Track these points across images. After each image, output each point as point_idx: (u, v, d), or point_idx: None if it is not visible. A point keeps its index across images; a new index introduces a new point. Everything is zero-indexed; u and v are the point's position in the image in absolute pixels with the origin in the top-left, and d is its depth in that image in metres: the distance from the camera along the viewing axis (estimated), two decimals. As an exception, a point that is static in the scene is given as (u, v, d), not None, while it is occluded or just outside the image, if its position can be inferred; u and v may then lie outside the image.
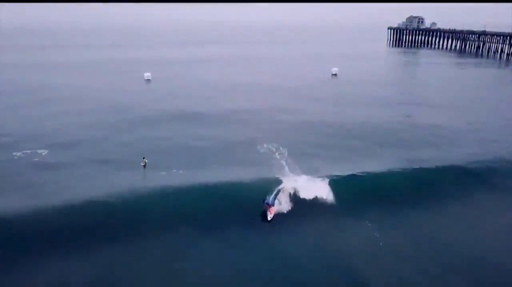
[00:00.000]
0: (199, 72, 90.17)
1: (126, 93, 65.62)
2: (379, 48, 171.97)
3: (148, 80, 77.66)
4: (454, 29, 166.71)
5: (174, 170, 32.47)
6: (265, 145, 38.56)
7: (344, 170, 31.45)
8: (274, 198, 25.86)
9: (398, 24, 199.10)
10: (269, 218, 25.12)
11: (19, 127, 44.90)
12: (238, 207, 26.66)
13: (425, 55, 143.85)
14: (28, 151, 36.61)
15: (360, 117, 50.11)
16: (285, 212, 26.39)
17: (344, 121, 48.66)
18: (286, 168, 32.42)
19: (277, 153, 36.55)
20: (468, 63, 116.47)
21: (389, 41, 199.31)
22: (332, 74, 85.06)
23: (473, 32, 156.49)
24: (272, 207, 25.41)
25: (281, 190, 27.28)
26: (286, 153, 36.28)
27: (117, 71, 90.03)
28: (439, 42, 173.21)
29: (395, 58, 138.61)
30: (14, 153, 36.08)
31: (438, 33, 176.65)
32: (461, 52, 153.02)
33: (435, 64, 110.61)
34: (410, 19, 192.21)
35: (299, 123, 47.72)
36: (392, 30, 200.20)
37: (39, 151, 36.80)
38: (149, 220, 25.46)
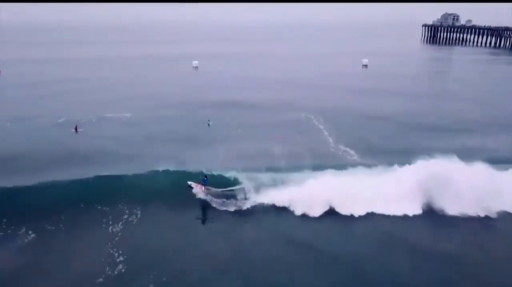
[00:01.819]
0: (242, 66, 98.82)
1: (179, 78, 76.36)
2: (412, 45, 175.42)
3: (196, 67, 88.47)
4: (490, 26, 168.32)
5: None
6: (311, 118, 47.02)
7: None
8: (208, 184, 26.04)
9: (433, 21, 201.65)
10: (193, 190, 25.82)
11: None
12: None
13: (459, 51, 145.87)
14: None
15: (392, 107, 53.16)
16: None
17: (377, 110, 51.31)
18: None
19: (315, 121, 45.14)
20: (504, 59, 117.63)
21: (423, 38, 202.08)
22: (363, 65, 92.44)
23: (509, 29, 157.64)
24: (203, 186, 25.78)
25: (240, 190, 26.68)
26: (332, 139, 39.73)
27: (170, 61, 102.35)
28: (474, 39, 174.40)
29: (428, 54, 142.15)
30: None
31: (473, 30, 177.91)
32: (497, 48, 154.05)
33: (469, 60, 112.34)
34: (445, 16, 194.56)
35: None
36: (426, 27, 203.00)
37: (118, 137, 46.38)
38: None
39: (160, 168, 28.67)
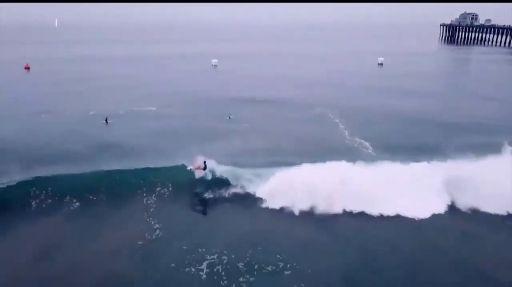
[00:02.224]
0: (259, 64, 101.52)
1: (199, 75, 79.57)
2: (430, 45, 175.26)
3: (215, 65, 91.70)
4: (510, 26, 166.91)
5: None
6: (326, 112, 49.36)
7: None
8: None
9: (451, 21, 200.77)
10: (191, 169, 27.42)
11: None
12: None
13: (478, 51, 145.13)
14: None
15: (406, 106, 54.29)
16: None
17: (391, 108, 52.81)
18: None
19: (331, 115, 47.48)
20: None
21: (441, 38, 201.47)
22: (378, 64, 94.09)
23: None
24: (202, 170, 27.14)
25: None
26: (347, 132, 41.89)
27: (189, 60, 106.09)
28: (493, 38, 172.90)
29: (445, 54, 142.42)
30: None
31: (493, 30, 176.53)
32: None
33: (488, 60, 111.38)
34: (464, 15, 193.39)
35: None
36: (444, 27, 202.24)
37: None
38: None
39: (184, 153, 31.45)
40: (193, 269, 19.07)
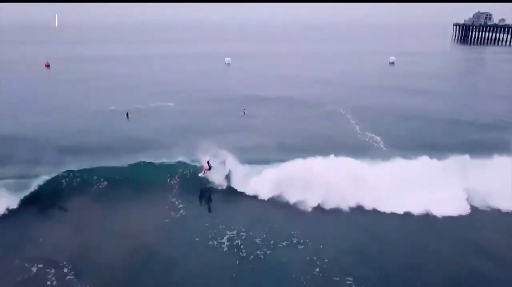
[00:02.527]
0: (272, 64, 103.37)
1: (214, 73, 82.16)
2: (442, 45, 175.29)
3: (229, 64, 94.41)
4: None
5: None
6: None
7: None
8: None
9: (464, 20, 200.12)
10: (200, 175, 27.99)
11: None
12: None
13: (492, 51, 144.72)
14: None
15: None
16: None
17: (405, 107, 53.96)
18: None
19: (345, 113, 49.33)
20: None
21: (454, 37, 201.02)
22: (390, 62, 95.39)
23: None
24: (208, 170, 27.96)
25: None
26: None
27: (203, 58, 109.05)
28: (507, 38, 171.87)
29: (458, 53, 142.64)
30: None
31: (507, 29, 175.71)
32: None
33: (502, 60, 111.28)
34: (477, 15, 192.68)
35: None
36: (457, 27, 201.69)
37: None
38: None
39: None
40: (215, 242, 21.20)
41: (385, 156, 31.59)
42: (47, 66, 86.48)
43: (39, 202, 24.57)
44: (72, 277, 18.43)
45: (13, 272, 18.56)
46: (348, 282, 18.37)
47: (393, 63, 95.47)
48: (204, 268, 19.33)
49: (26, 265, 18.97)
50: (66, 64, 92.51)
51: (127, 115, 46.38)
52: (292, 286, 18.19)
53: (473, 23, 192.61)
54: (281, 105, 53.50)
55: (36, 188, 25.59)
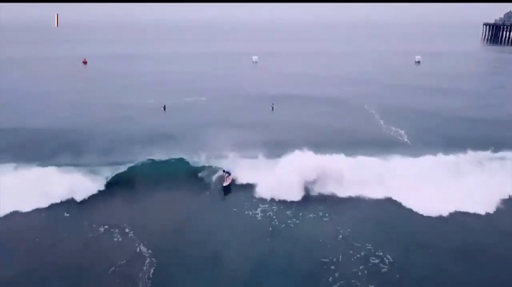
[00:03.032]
0: (298, 63, 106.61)
1: (242, 70, 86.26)
2: (471, 45, 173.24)
3: (256, 62, 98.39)
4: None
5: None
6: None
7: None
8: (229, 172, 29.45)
9: (495, 20, 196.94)
10: (225, 184, 28.55)
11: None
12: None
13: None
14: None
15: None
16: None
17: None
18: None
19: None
20: None
21: (483, 37, 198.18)
22: (416, 62, 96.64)
23: None
24: (229, 176, 29.01)
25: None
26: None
27: (232, 57, 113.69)
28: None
29: (486, 53, 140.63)
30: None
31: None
32: None
33: None
34: (509, 14, 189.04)
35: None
36: (487, 27, 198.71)
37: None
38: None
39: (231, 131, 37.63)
40: (250, 213, 24.62)
41: (408, 150, 34.33)
42: (85, 63, 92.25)
43: (110, 185, 28.49)
44: (132, 235, 22.22)
45: (87, 231, 22.60)
46: (368, 247, 21.34)
47: (418, 62, 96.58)
48: (241, 234, 22.72)
49: (100, 228, 22.93)
50: (101, 61, 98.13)
51: (164, 108, 50.48)
52: (319, 250, 21.26)
53: (503, 22, 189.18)
54: (307, 101, 56.15)
55: (108, 175, 29.34)
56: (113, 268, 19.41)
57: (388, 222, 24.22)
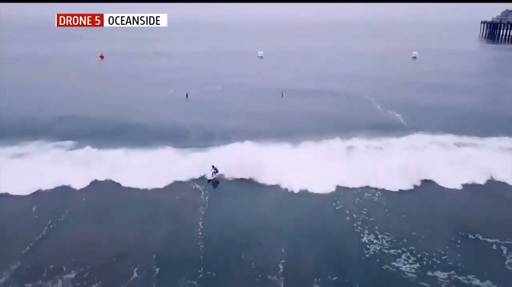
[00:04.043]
0: (300, 60, 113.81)
1: (249, 64, 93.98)
2: (469, 43, 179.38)
3: (261, 57, 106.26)
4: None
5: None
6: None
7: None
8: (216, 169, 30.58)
9: (492, 18, 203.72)
10: (210, 178, 30.20)
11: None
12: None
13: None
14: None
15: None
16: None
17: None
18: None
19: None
20: None
21: (481, 35, 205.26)
22: (412, 57, 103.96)
23: None
24: (216, 173, 30.44)
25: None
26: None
27: (236, 53, 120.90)
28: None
29: (486, 51, 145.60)
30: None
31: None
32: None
33: None
34: (506, 13, 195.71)
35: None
36: (485, 24, 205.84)
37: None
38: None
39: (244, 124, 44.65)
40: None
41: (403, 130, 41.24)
42: (101, 57, 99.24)
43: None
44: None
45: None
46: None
47: (415, 57, 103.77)
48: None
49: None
50: (116, 58, 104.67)
51: (186, 95, 57.76)
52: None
53: (501, 21, 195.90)
54: (312, 94, 62.22)
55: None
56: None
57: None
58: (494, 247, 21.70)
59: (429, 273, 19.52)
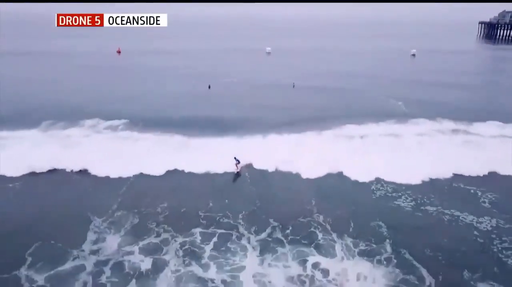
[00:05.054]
0: (302, 57, 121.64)
1: (258, 59, 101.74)
2: (466, 42, 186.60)
3: (269, 52, 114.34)
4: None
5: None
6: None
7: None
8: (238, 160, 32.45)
9: (490, 19, 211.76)
10: (236, 171, 32.24)
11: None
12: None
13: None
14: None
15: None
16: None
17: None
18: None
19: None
20: None
21: (479, 35, 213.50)
22: (411, 55, 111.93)
23: None
24: (238, 164, 32.30)
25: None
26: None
27: (244, 50, 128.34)
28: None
29: (483, 50, 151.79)
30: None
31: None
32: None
33: None
34: (503, 14, 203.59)
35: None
36: (483, 25, 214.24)
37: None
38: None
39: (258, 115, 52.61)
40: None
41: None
42: (119, 52, 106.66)
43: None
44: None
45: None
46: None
47: (414, 55, 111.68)
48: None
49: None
50: (132, 54, 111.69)
51: (209, 86, 65.44)
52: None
53: (498, 21, 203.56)
54: (319, 89, 70.13)
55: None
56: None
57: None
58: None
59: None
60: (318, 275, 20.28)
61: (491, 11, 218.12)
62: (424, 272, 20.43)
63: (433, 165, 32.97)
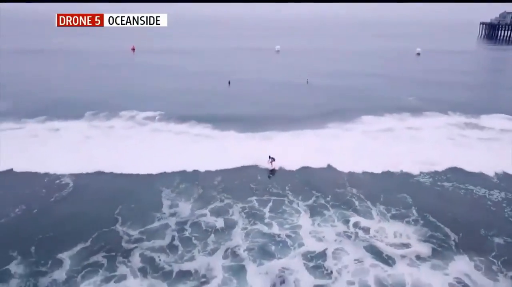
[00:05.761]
0: (307, 56, 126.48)
1: (269, 56, 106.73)
2: (468, 43, 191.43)
3: (278, 51, 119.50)
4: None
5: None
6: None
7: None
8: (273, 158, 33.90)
9: (491, 19, 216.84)
10: (270, 168, 33.82)
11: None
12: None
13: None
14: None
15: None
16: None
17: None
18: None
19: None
20: None
21: (480, 36, 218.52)
22: (416, 53, 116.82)
23: None
24: (273, 161, 33.80)
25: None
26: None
27: (255, 49, 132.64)
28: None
29: (484, 50, 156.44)
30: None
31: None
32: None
33: None
34: (504, 14, 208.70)
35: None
36: (484, 25, 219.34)
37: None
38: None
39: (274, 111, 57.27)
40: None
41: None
42: (133, 49, 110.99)
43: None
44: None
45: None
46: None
47: (419, 53, 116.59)
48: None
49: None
50: (145, 52, 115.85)
51: (229, 83, 70.05)
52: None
53: (499, 22, 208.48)
54: (324, 88, 75.10)
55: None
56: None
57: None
58: None
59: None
60: (361, 233, 24.96)
61: (491, 12, 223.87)
62: (447, 230, 25.09)
63: (448, 152, 37.97)
